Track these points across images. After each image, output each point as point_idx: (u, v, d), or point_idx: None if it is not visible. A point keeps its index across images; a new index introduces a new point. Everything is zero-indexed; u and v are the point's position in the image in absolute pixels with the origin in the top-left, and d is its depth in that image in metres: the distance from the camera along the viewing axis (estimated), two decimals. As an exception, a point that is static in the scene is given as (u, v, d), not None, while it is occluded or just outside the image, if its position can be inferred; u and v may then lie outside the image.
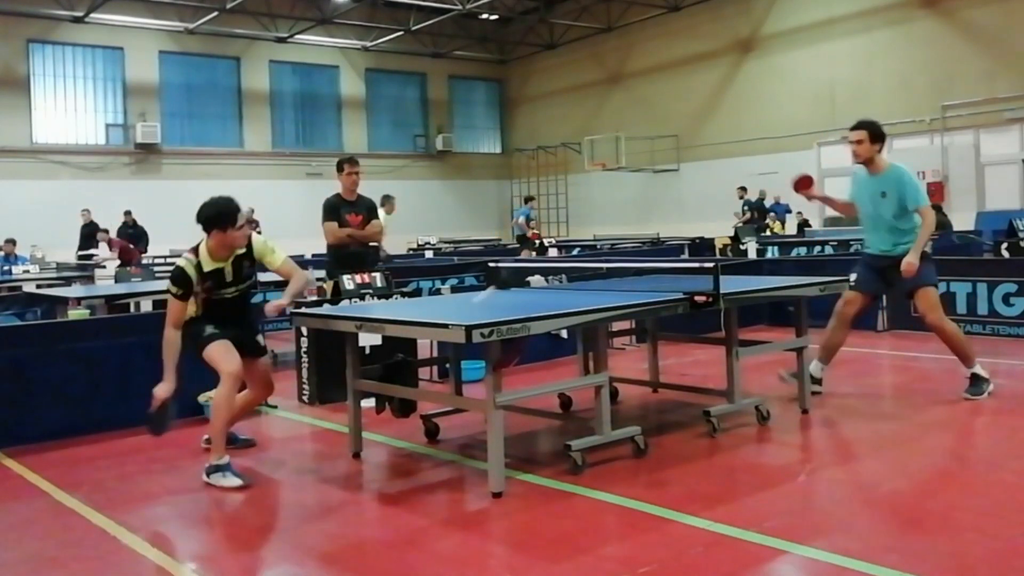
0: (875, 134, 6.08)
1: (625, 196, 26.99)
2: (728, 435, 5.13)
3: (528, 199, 21.05)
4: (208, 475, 4.56)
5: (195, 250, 4.78)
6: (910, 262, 5.92)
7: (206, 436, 5.10)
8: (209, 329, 4.74)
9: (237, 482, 4.49)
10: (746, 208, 20.52)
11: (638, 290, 5.26)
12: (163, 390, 4.61)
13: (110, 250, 16.88)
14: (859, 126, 6.16)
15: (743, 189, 20.87)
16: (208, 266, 4.75)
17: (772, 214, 21.25)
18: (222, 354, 4.68)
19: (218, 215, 4.70)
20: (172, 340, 4.67)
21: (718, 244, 18.34)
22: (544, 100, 29.88)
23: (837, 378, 6.78)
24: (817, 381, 6.18)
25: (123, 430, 5.58)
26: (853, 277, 6.24)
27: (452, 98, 30.49)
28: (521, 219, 18.53)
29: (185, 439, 5.52)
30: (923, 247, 5.99)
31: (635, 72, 26.77)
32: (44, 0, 22.32)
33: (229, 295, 4.86)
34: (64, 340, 5.70)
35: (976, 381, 6.03)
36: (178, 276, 4.71)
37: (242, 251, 4.82)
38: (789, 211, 20.78)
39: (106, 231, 17.63)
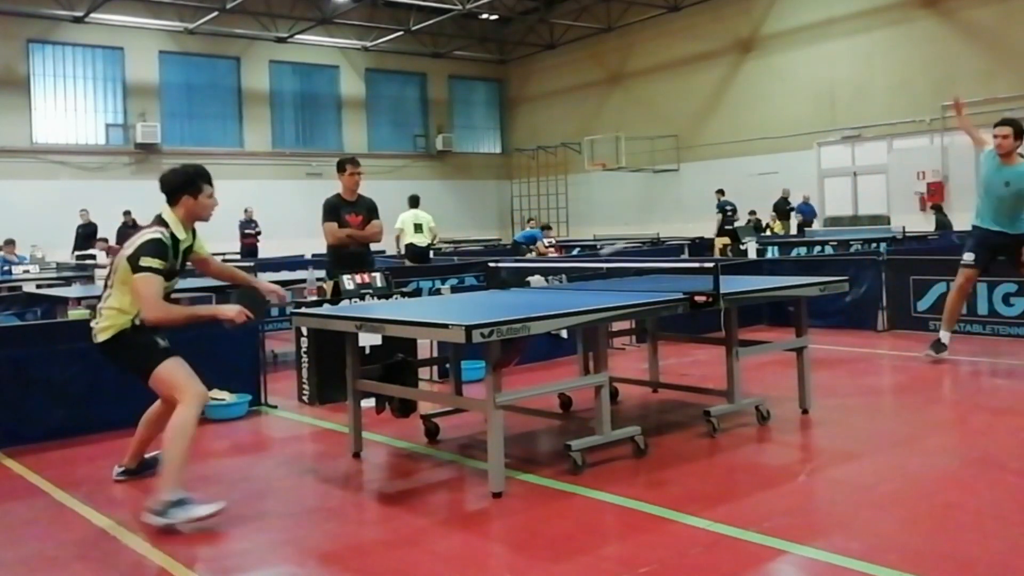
0: (1018, 131, 7.04)
1: (625, 196, 27.00)
2: (728, 435, 5.13)
3: (546, 227, 20.10)
4: (163, 514, 3.84)
5: (161, 222, 4.17)
6: None
7: (121, 469, 4.61)
8: (161, 341, 4.11)
9: (214, 507, 3.91)
10: (726, 210, 20.26)
11: (638, 290, 5.26)
12: (230, 311, 4.14)
13: (107, 257, 16.92)
14: (1005, 123, 7.08)
15: (720, 192, 20.73)
16: (181, 236, 4.19)
17: (773, 213, 21.26)
18: (186, 374, 4.07)
19: (196, 174, 4.21)
20: (172, 309, 4.12)
21: (717, 245, 18.35)
22: (544, 100, 29.89)
23: (837, 378, 6.79)
24: (944, 347, 7.18)
25: (123, 430, 5.57)
26: (970, 257, 7.19)
27: (452, 98, 30.50)
28: (541, 243, 17.88)
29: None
30: None
31: (635, 72, 26.79)
32: (44, 0, 22.33)
33: (170, 289, 4.24)
34: (64, 340, 5.69)
35: None
36: (156, 246, 4.04)
37: (189, 241, 4.31)
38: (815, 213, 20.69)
39: (105, 240, 17.64)
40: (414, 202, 14.03)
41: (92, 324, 4.22)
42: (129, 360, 4.16)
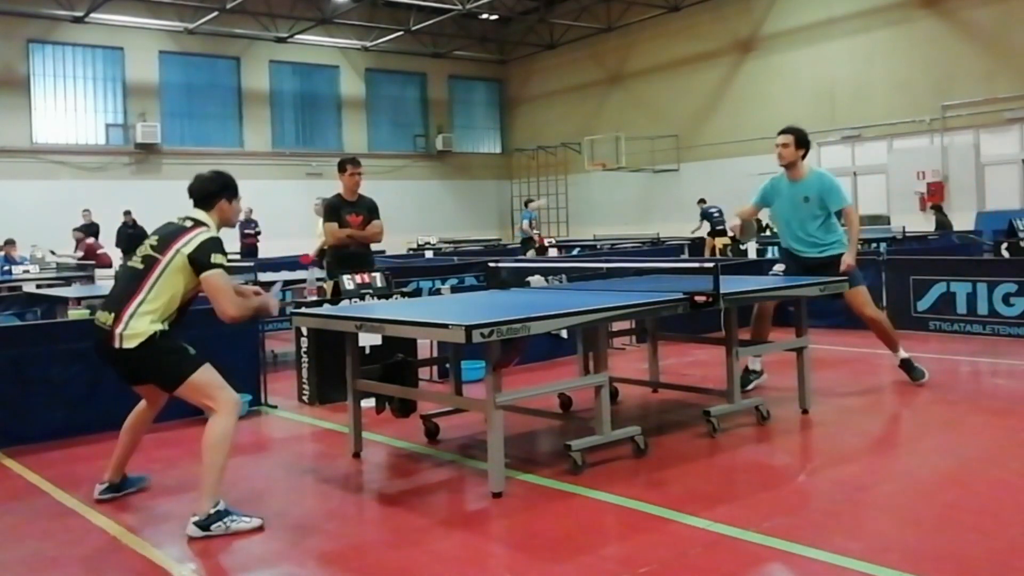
0: (800, 139, 6.26)
1: (625, 196, 27.00)
2: (728, 435, 5.13)
3: (528, 202, 20.76)
4: (206, 527, 3.80)
5: (197, 223, 4.10)
6: (849, 263, 6.17)
7: (104, 485, 4.36)
8: (190, 348, 4.03)
9: (257, 521, 3.89)
10: (712, 215, 20.03)
11: (638, 290, 5.26)
12: (273, 303, 4.24)
13: (76, 249, 16.88)
14: (786, 131, 6.32)
15: (702, 201, 20.56)
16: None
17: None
18: (219, 381, 4.01)
19: (230, 181, 4.25)
20: (244, 304, 4.09)
21: (718, 245, 18.34)
22: (544, 100, 29.89)
23: (837, 378, 6.79)
24: (757, 373, 6.46)
25: (123, 430, 5.58)
26: (779, 268, 6.56)
27: (452, 98, 30.50)
28: (525, 223, 18.29)
29: (184, 439, 5.52)
30: (856, 245, 6.28)
31: (635, 72, 26.78)
32: (44, 0, 22.32)
33: (195, 293, 4.19)
34: (64, 340, 5.69)
35: (909, 366, 6.40)
36: (220, 244, 4.03)
37: None
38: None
39: (82, 232, 17.56)
40: None
41: (112, 328, 3.94)
42: (159, 368, 4.00)
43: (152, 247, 4.05)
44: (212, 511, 3.82)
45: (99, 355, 4.13)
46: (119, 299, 4.01)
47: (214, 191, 4.19)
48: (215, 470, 3.86)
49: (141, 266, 4.03)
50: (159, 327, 3.94)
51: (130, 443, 4.38)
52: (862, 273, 6.49)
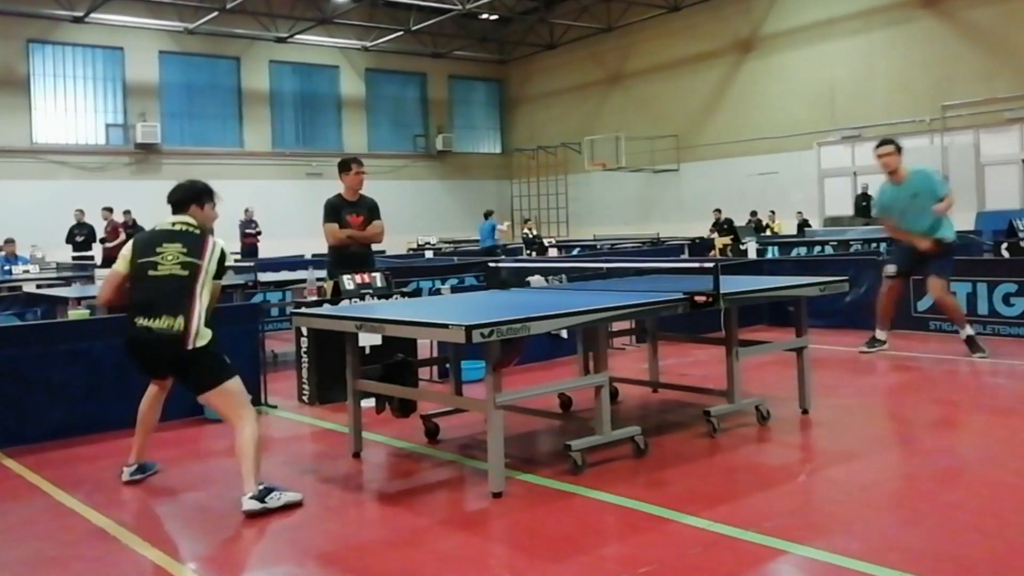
0: (899, 147, 7.50)
1: (625, 196, 27.02)
2: (728, 435, 5.13)
3: (488, 213, 20.56)
4: (262, 499, 4.03)
5: (203, 230, 4.40)
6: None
7: (133, 467, 4.67)
8: (226, 357, 4.34)
9: (300, 495, 4.18)
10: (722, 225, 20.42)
11: (638, 290, 5.26)
12: None
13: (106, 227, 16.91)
14: (887, 142, 7.52)
15: (718, 211, 20.98)
16: None
17: (771, 212, 21.15)
18: (246, 393, 4.35)
19: (202, 188, 4.51)
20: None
21: (718, 245, 18.35)
22: (544, 100, 29.90)
23: (837, 378, 6.79)
24: (882, 342, 7.74)
25: (123, 430, 5.57)
26: (891, 269, 7.63)
27: (452, 98, 30.52)
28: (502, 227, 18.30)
29: (184, 439, 5.52)
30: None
31: (635, 72, 26.80)
32: (44, 0, 22.33)
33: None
34: (64, 340, 5.69)
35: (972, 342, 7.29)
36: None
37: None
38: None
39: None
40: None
41: (184, 332, 4.14)
42: (207, 370, 4.24)
43: (184, 254, 4.27)
44: (261, 487, 4.05)
45: (146, 357, 4.33)
46: (181, 304, 4.19)
47: (186, 198, 4.44)
48: (252, 461, 4.13)
49: (185, 273, 4.24)
50: (210, 333, 4.24)
51: (149, 423, 4.70)
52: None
